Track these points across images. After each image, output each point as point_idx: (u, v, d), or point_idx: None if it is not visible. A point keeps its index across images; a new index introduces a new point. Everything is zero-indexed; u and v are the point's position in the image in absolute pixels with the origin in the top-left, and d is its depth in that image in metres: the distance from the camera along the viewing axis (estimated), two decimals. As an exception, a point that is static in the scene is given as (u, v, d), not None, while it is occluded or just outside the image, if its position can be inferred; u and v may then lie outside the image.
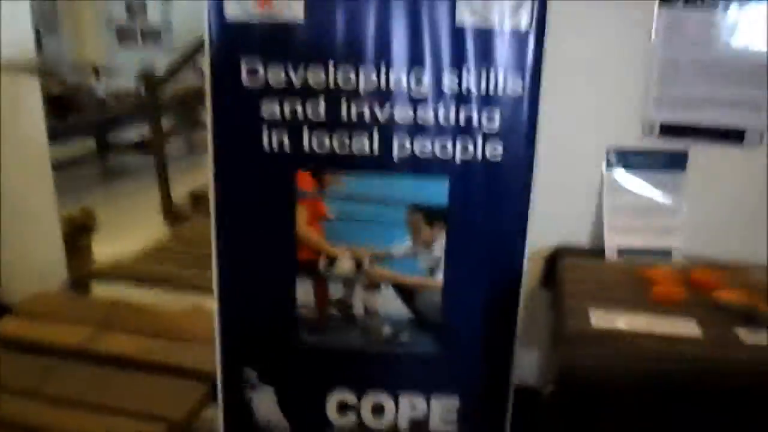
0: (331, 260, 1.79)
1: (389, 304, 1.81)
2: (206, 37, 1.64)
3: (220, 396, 1.92)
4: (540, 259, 1.97)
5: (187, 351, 2.01)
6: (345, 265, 1.79)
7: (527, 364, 2.04)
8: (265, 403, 1.91)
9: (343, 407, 1.90)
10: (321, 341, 1.84)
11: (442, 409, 1.89)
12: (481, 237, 1.77)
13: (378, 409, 1.90)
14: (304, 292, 1.81)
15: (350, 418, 1.91)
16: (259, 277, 1.81)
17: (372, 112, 1.65)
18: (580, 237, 1.97)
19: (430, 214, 1.75)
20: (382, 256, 1.78)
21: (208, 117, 1.69)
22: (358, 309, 1.82)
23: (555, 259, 1.90)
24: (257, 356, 1.88)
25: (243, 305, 1.84)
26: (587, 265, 1.78)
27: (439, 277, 1.77)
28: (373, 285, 1.80)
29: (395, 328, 1.83)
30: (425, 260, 1.78)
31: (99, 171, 6.05)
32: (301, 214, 1.76)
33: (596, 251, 1.90)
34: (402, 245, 1.77)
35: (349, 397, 1.89)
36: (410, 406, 1.89)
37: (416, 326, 1.83)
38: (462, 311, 1.81)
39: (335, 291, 1.81)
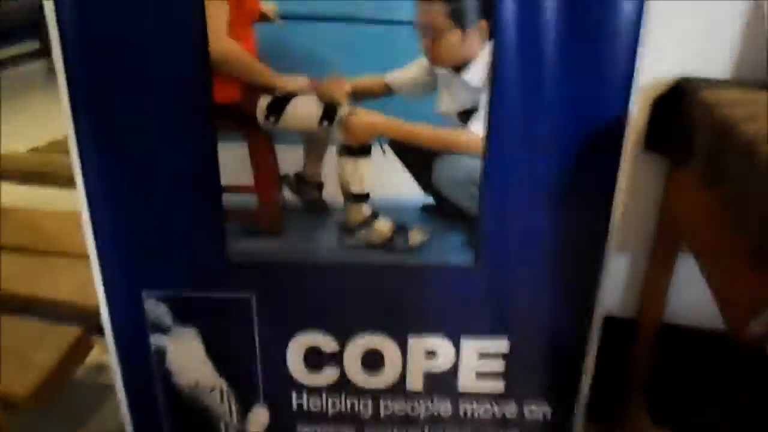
0: (280, 101, 0.97)
1: (387, 178, 1.01)
2: None
3: (110, 345, 1.15)
4: (643, 103, 1.15)
5: (60, 276, 1.23)
6: (305, 108, 0.97)
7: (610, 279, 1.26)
8: (186, 353, 1.15)
9: (315, 358, 1.14)
10: (269, 251, 1.05)
11: (480, 356, 1.13)
12: (554, 49, 0.94)
13: (372, 360, 1.14)
14: (233, 162, 1.00)
15: (328, 373, 1.15)
16: (148, 139, 1.00)
17: None
18: (712, 63, 1.14)
19: (460, 5, 0.92)
20: (373, 88, 0.96)
21: None
22: (332, 190, 1.02)
23: (674, 99, 1.08)
24: (163, 279, 1.10)
25: (126, 194, 1.04)
26: (747, 97, 0.96)
27: (478, 126, 0.97)
28: (358, 145, 0.99)
29: (399, 223, 1.04)
30: (453, 95, 0.96)
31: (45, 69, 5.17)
32: (217, 15, 0.92)
33: (745, 82, 1.08)
34: (409, 67, 0.95)
35: (325, 342, 1.13)
36: (426, 352, 1.13)
37: (436, 218, 1.04)
38: (517, 190, 1.02)
39: (289, 159, 1.01)
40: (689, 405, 1.32)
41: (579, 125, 0.99)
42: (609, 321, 1.23)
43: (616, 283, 1.31)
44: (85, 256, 1.10)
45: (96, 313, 1.12)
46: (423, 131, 0.98)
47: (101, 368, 1.57)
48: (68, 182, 1.43)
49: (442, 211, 1.02)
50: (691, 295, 1.27)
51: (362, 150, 0.99)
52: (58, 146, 2.30)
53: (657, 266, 1.21)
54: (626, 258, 1.29)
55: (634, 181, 1.18)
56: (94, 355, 1.60)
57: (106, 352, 1.19)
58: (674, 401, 1.33)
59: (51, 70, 0.98)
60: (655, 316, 1.25)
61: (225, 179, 1.01)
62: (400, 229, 1.03)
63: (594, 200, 1.04)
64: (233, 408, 1.19)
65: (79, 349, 1.10)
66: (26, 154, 2.23)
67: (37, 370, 1.01)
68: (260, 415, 1.20)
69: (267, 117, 0.98)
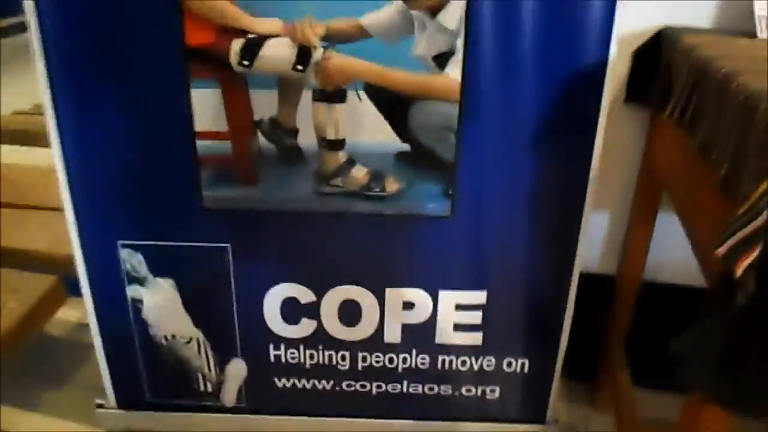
0: (253, 44, 0.96)
1: (363, 125, 1.00)
2: None
3: (86, 296, 1.15)
4: (625, 53, 1.14)
5: (37, 228, 1.22)
6: (279, 51, 0.96)
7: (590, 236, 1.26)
8: (162, 304, 1.15)
9: (292, 309, 1.14)
10: (244, 199, 1.05)
11: (457, 308, 1.13)
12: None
13: (350, 312, 1.14)
14: (206, 108, 0.99)
15: (305, 324, 1.15)
16: (121, 85, 0.99)
17: None
18: (695, 13, 1.12)
19: (437, -56, 0.90)
20: (349, 31, 0.95)
21: None
22: (307, 137, 1.01)
23: (656, 48, 1.07)
24: (138, 228, 1.09)
25: (99, 142, 1.03)
26: (727, 41, 0.95)
27: (455, 72, 0.95)
28: (333, 90, 0.98)
29: (375, 170, 1.03)
30: (429, 38, 0.95)
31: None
32: (189, -47, 0.91)
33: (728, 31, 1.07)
34: (384, 10, 0.93)
35: (301, 293, 1.12)
36: (402, 305, 1.13)
37: (412, 166, 1.03)
38: (494, 138, 1.01)
39: (262, 104, 0.99)
40: (669, 363, 1.32)
41: (558, 72, 0.98)
42: (589, 278, 1.23)
43: (596, 241, 1.31)
44: (62, 209, 1.09)
45: (72, 264, 1.12)
46: (399, 76, 0.96)
47: (83, 327, 1.57)
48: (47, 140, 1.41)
49: (418, 158, 1.01)
50: (671, 253, 1.26)
51: (337, 95, 0.98)
52: (40, 108, 2.29)
53: (637, 222, 1.21)
54: (607, 215, 1.28)
55: (616, 137, 1.16)
56: (76, 315, 1.61)
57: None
58: (654, 359, 1.33)
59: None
60: (634, 273, 1.25)
61: (199, 125, 1.00)
62: (377, 176, 1.03)
63: (573, 151, 1.03)
64: (211, 360, 1.19)
65: (53, 297, 1.10)
66: (9, 116, 2.22)
67: (9, 315, 1.01)
68: (238, 368, 1.20)
69: (240, 61, 0.96)
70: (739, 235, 0.55)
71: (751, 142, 0.61)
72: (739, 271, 0.54)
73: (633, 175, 1.22)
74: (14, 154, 1.95)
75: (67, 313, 1.62)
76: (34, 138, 1.94)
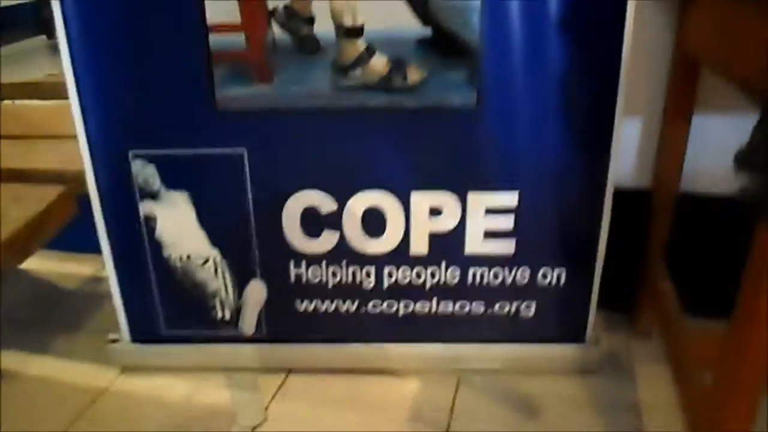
0: (264, -77, 0.92)
1: (382, 9, 0.95)
2: None
3: (97, 213, 1.10)
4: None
5: (50, 151, 1.18)
6: (291, -70, 0.92)
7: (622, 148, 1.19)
8: (177, 221, 1.10)
9: (312, 222, 1.08)
10: (259, 97, 1.00)
11: (487, 212, 1.06)
12: None
13: (374, 222, 1.08)
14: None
15: (327, 237, 1.09)
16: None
17: None
18: None
19: None
20: None
21: None
22: (323, 24, 0.96)
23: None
24: (150, 135, 1.05)
25: (107, 41, 0.99)
26: None
27: (476, -56, 0.91)
28: (349, -29, 0.94)
29: (394, 59, 0.98)
30: None
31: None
32: None
33: None
34: None
35: (322, 201, 1.07)
36: (430, 210, 1.07)
37: (434, 53, 0.97)
38: (520, 19, 0.95)
39: (277, -10, 0.95)
40: (719, 287, 1.24)
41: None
42: (623, 195, 1.16)
43: (629, 153, 1.24)
44: (75, 137, 1.05)
45: (83, 181, 1.07)
46: (418, -49, 0.92)
47: (97, 281, 1.52)
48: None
49: (440, 44, 0.96)
50: (708, 161, 1.19)
51: (355, -24, 0.93)
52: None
53: (671, 124, 1.14)
54: (639, 124, 1.22)
55: (645, 33, 1.11)
56: (89, 270, 1.57)
57: (103, 267, 1.14)
58: (698, 283, 1.25)
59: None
60: (671, 184, 1.18)
61: (211, 18, 0.96)
62: (398, 65, 0.97)
63: (601, 40, 0.98)
64: (228, 282, 1.14)
65: (61, 207, 1.05)
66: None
67: (10, 224, 0.96)
68: (257, 290, 1.14)
69: (253, -57, 0.92)
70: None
71: None
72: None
73: (664, 79, 1.16)
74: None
75: (79, 269, 1.59)
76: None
